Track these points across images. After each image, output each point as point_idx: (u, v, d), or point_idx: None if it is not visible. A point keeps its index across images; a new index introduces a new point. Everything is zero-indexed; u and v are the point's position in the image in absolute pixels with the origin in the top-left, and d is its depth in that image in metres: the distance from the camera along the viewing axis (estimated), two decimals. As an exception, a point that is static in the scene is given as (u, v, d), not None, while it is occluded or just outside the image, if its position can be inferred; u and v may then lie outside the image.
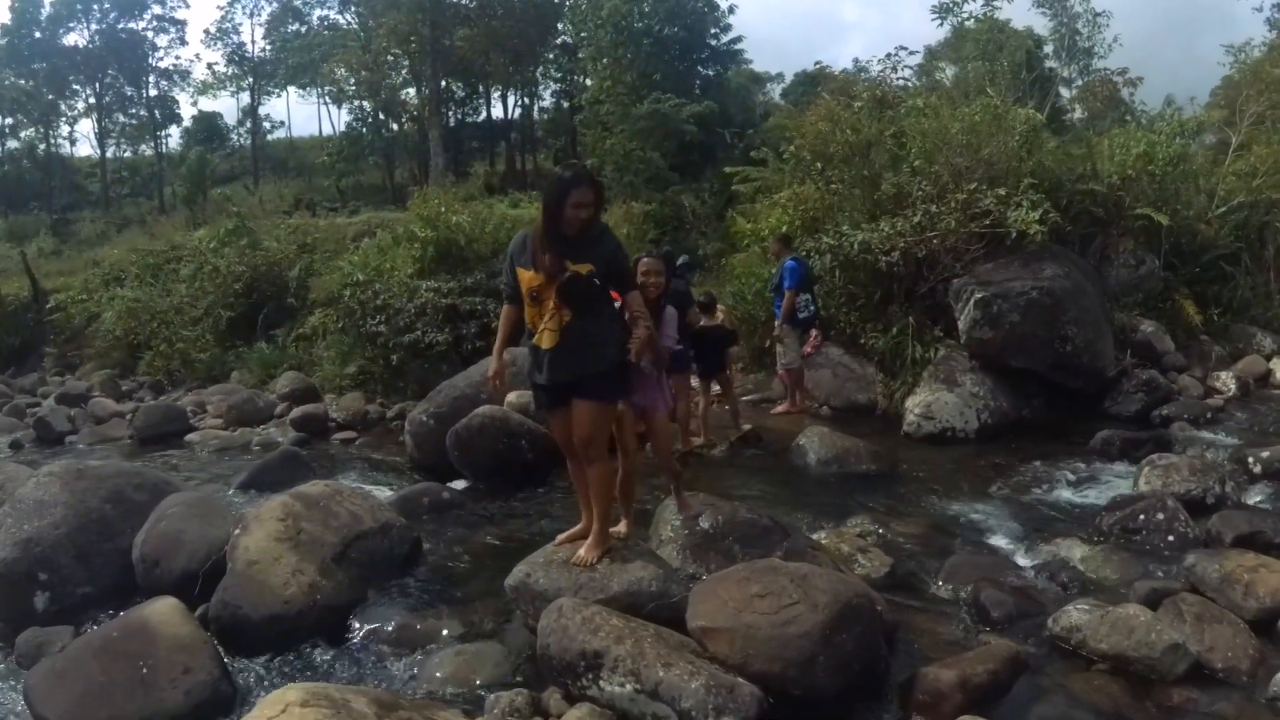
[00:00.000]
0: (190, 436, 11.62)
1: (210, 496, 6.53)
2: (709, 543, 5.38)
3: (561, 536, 5.05)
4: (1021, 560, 5.82)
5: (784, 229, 11.52)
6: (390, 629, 5.06)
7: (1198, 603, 4.66)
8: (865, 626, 4.14)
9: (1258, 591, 4.76)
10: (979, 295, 9.37)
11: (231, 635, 4.91)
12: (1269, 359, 10.61)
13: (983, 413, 9.18)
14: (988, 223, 9.80)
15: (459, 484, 8.01)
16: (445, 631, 4.99)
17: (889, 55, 14.55)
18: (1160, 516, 5.94)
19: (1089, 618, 4.50)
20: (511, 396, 8.60)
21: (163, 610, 4.55)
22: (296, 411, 11.71)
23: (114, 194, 42.51)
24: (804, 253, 10.37)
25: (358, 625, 5.13)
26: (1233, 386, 9.92)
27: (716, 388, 9.18)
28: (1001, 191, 9.80)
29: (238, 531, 5.41)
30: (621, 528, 5.04)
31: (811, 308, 9.65)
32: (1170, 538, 5.82)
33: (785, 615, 3.96)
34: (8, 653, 5.17)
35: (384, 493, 7.92)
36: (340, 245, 16.86)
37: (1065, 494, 7.30)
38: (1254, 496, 6.74)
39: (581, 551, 4.77)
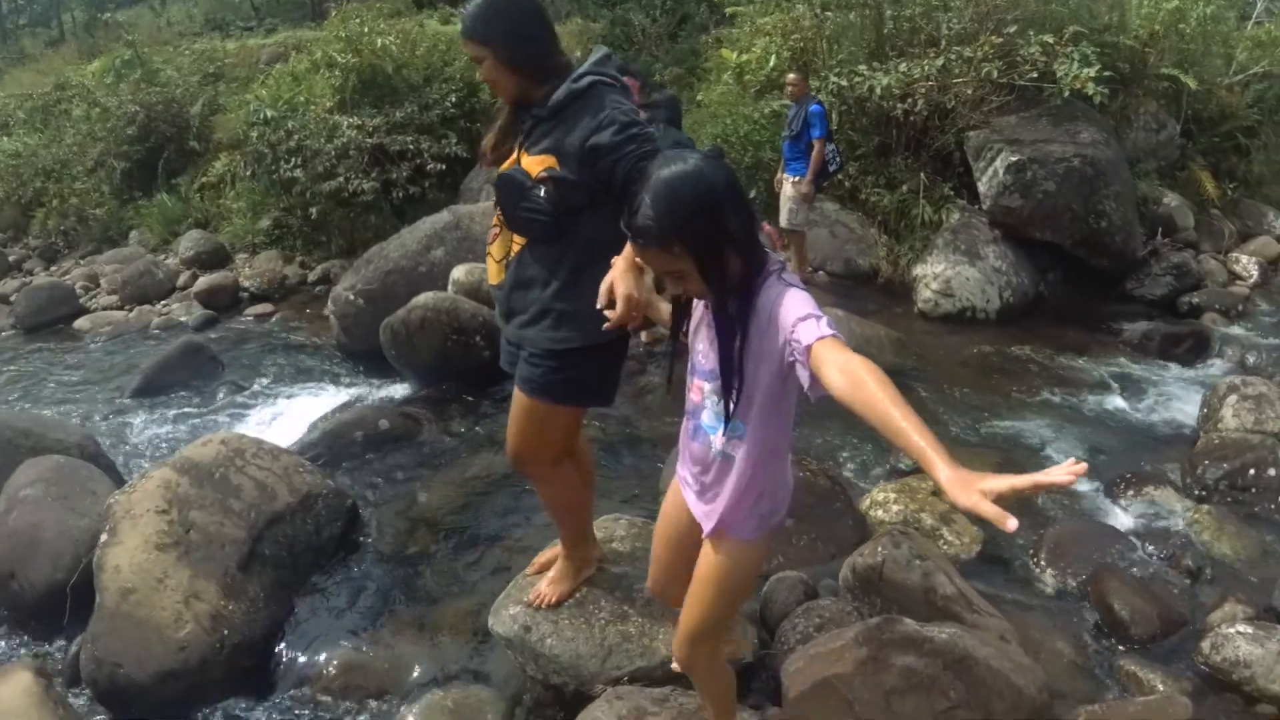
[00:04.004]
0: (80, 322, 9.76)
1: (70, 464, 4.68)
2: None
3: (539, 558, 3.57)
4: (1120, 522, 4.81)
5: (772, 61, 10.02)
6: (333, 668, 3.69)
7: (1370, 621, 3.76)
8: None
9: None
10: (1012, 159, 8.13)
11: (115, 704, 3.51)
12: (1280, 241, 9.70)
13: (1005, 290, 8.16)
14: (1034, 75, 8.42)
15: (398, 388, 6.64)
16: (413, 668, 3.67)
17: None
18: (1273, 473, 4.99)
19: (1261, 653, 3.54)
20: (458, 273, 7.07)
21: (7, 698, 3.09)
22: (202, 282, 10.01)
23: (10, 25, 37.57)
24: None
25: (287, 659, 3.78)
26: (1255, 272, 9.01)
27: None
28: (1048, 39, 8.40)
29: (105, 538, 3.84)
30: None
31: (839, 160, 8.13)
32: (1282, 498, 4.90)
33: (946, 729, 2.72)
34: None
35: (306, 402, 6.57)
36: (252, 72, 14.50)
37: (1121, 405, 6.42)
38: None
39: (543, 585, 3.35)
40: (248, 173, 11.50)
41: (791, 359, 1.91)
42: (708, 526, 2.34)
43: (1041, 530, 4.60)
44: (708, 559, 2.37)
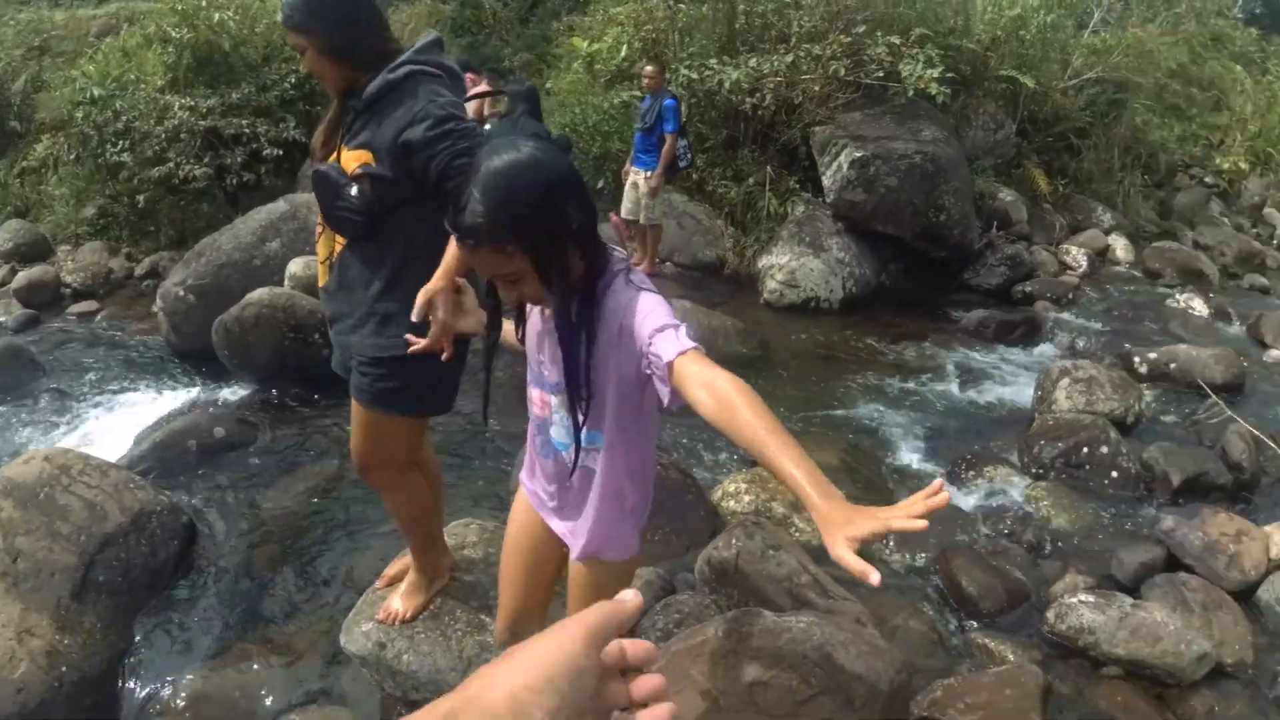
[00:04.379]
0: (-113, 329, 8.78)
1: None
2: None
3: (388, 571, 3.49)
4: (963, 501, 4.98)
5: (623, 51, 10.03)
6: (180, 700, 3.38)
7: (1200, 587, 4.00)
8: (903, 707, 3.01)
9: (1243, 564, 4.20)
10: (857, 154, 8.30)
11: None
12: (1108, 234, 10.29)
13: (848, 281, 8.36)
14: (880, 75, 8.63)
15: (233, 391, 6.27)
16: (266, 694, 3.41)
17: None
18: (1104, 450, 5.25)
19: (1102, 619, 3.71)
20: (295, 266, 6.75)
21: None
22: (21, 278, 9.12)
23: None
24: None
25: (130, 693, 3.47)
26: (1084, 263, 9.50)
27: None
28: (895, 40, 8.62)
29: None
30: None
31: (689, 155, 8.15)
32: (1114, 474, 5.16)
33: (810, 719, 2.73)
34: None
35: (135, 410, 6.12)
36: (80, 45, 13.37)
37: (960, 390, 6.70)
38: (1144, 401, 6.13)
39: (394, 601, 3.26)
40: (72, 156, 10.71)
41: (649, 372, 1.76)
42: (576, 548, 2.15)
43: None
44: (583, 581, 2.18)
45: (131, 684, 3.51)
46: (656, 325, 1.73)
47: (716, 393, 1.58)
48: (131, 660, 3.59)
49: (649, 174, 7.87)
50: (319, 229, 2.81)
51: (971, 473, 5.24)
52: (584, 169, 9.62)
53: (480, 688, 0.69)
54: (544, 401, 2.08)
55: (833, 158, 8.54)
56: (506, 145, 1.75)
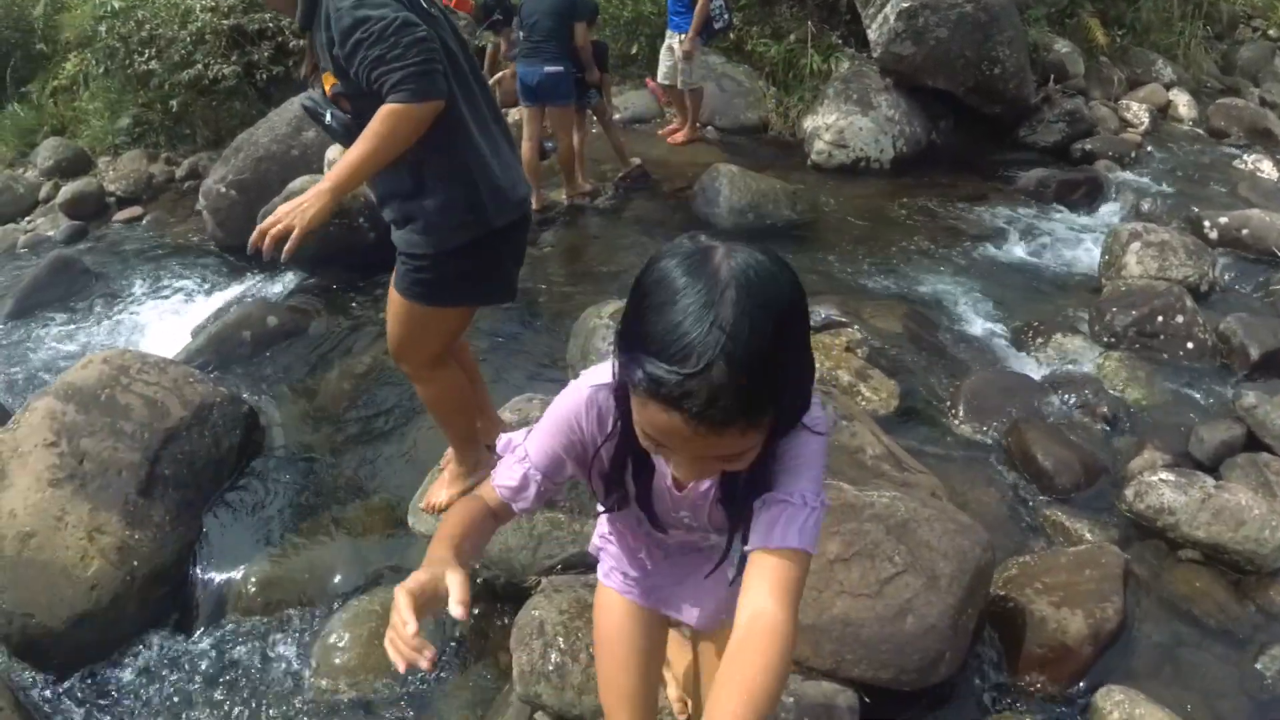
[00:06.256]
0: (-60, 247, 8.88)
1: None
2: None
3: (445, 463, 3.42)
4: (1032, 370, 4.81)
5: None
6: (251, 585, 3.43)
7: (1282, 468, 3.74)
8: (986, 587, 2.90)
9: (1327, 447, 3.98)
10: (904, 5, 7.87)
11: (32, 656, 3.26)
12: (1169, 89, 9.72)
13: (898, 140, 8.09)
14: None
15: (282, 281, 6.22)
16: (334, 574, 3.43)
17: None
18: (1179, 320, 4.99)
19: (1184, 500, 3.55)
20: (333, 153, 6.70)
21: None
22: (65, 192, 9.19)
23: None
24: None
25: (202, 582, 3.52)
26: (1146, 120, 8.97)
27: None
28: None
29: (-7, 483, 3.49)
30: None
31: (726, 15, 7.69)
32: (1190, 345, 4.92)
33: (894, 598, 2.59)
34: None
35: (187, 307, 6.16)
36: None
37: (1021, 253, 6.44)
38: (1217, 268, 5.83)
39: (440, 492, 3.25)
40: (100, 70, 10.65)
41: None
42: (706, 619, 1.86)
43: (958, 381, 4.53)
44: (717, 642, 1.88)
45: (202, 572, 3.58)
46: (790, 496, 1.36)
47: (748, 628, 1.28)
48: (201, 549, 3.65)
49: (682, 37, 7.49)
50: None
51: (1039, 340, 5.07)
52: (616, 35, 9.30)
53: None
54: (684, 538, 1.74)
55: (878, 9, 8.13)
56: (736, 254, 1.14)
